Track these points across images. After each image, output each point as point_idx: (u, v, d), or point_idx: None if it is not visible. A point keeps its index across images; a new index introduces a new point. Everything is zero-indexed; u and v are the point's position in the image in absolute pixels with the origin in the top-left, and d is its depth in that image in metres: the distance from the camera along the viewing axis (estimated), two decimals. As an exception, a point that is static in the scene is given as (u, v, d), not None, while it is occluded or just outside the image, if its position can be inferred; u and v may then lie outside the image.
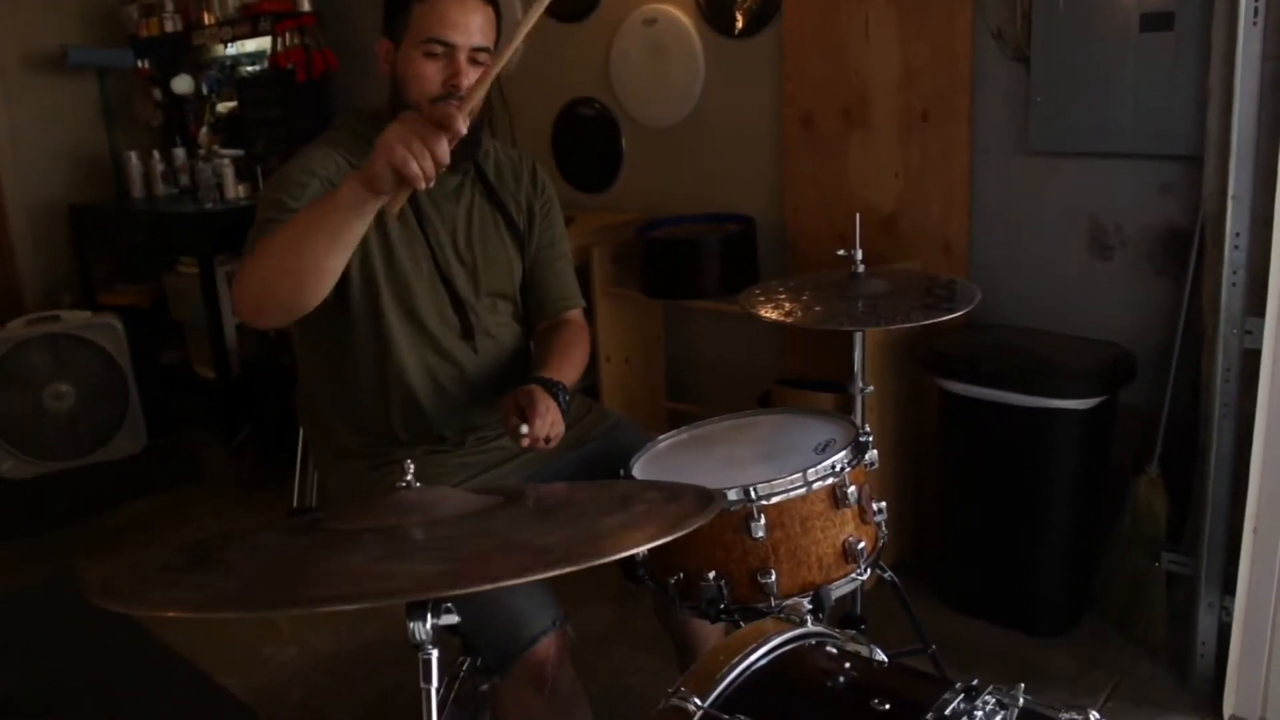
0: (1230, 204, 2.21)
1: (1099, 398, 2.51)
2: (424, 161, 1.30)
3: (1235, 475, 2.29)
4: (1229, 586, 2.31)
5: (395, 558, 1.03)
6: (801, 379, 3.01)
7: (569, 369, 1.90)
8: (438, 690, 1.07)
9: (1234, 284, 2.23)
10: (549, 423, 1.70)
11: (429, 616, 1.06)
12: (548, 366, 1.87)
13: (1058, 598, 2.68)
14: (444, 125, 1.30)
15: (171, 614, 0.93)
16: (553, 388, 1.78)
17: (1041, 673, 2.53)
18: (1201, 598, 2.38)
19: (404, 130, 1.31)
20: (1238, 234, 2.21)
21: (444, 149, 1.30)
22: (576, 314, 2.07)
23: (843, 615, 2.22)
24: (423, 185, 1.31)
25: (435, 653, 1.08)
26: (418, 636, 1.06)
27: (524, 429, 1.67)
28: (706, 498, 1.17)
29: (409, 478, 1.16)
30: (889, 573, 2.05)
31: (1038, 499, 2.60)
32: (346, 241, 1.46)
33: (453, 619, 1.09)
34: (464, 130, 1.31)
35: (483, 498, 1.17)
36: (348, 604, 0.90)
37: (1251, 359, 2.20)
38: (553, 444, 1.72)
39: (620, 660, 2.65)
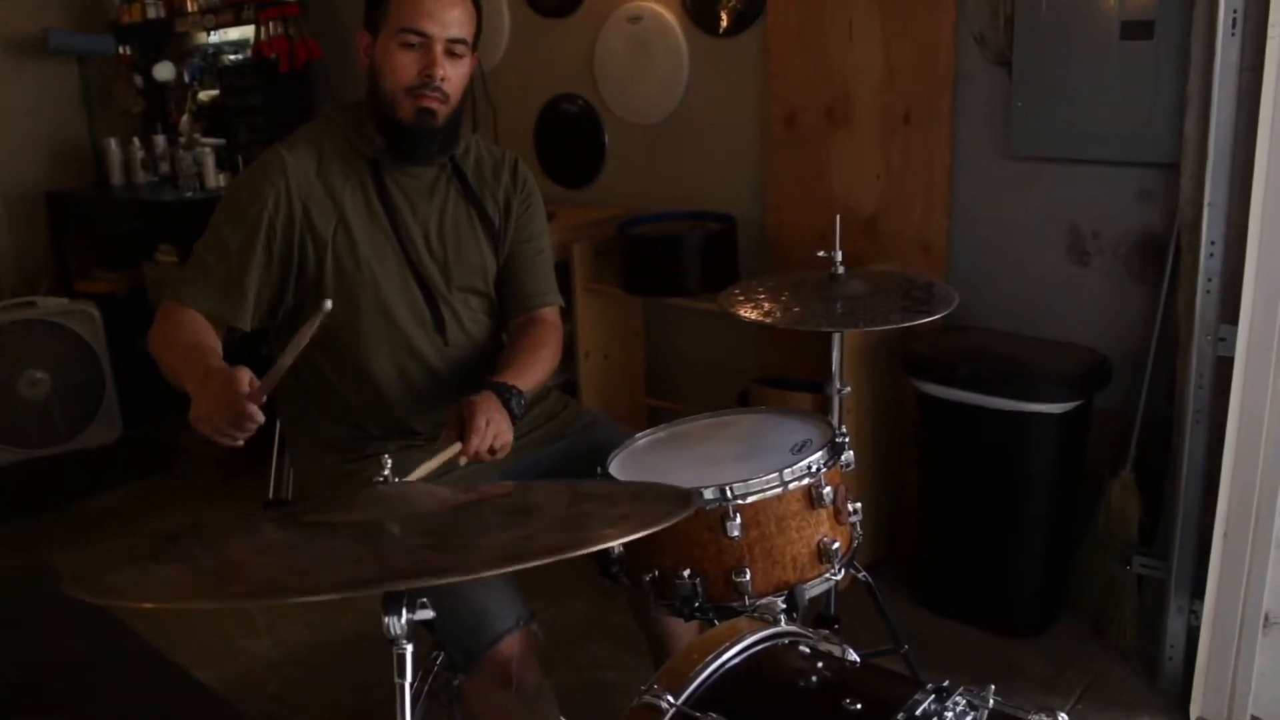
0: (1206, 211, 2.23)
1: (1074, 402, 2.53)
2: (228, 442, 1.48)
3: (1206, 480, 2.32)
4: (1198, 590, 2.34)
5: (368, 551, 1.03)
6: (780, 378, 3.02)
7: (531, 371, 1.85)
8: (412, 685, 1.07)
9: (1208, 291, 2.25)
10: (488, 436, 1.65)
11: (404, 611, 1.06)
12: (509, 369, 1.82)
13: (1032, 599, 2.71)
14: (238, 424, 1.44)
15: (147, 605, 0.93)
16: (505, 393, 1.74)
17: (1014, 674, 2.55)
18: (1171, 601, 2.41)
19: (209, 415, 1.47)
20: (1213, 242, 2.24)
21: (247, 429, 1.45)
22: (551, 312, 2.03)
23: (816, 615, 2.23)
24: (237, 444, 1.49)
25: (410, 647, 1.08)
26: (392, 631, 1.07)
27: (457, 446, 1.64)
28: (684, 499, 1.17)
29: (386, 473, 1.16)
30: (863, 573, 2.07)
31: (1013, 501, 2.62)
32: None
33: (428, 614, 1.09)
34: (255, 426, 1.45)
35: (457, 494, 1.17)
36: (315, 595, 0.90)
37: (1224, 366, 2.22)
38: (499, 455, 1.68)
39: (595, 655, 2.66)
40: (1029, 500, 2.61)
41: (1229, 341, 2.20)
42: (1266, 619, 2.24)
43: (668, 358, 3.70)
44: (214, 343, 1.73)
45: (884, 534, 3.02)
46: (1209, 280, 2.25)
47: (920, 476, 2.82)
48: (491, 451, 1.66)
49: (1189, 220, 2.33)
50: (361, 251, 1.83)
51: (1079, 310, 2.78)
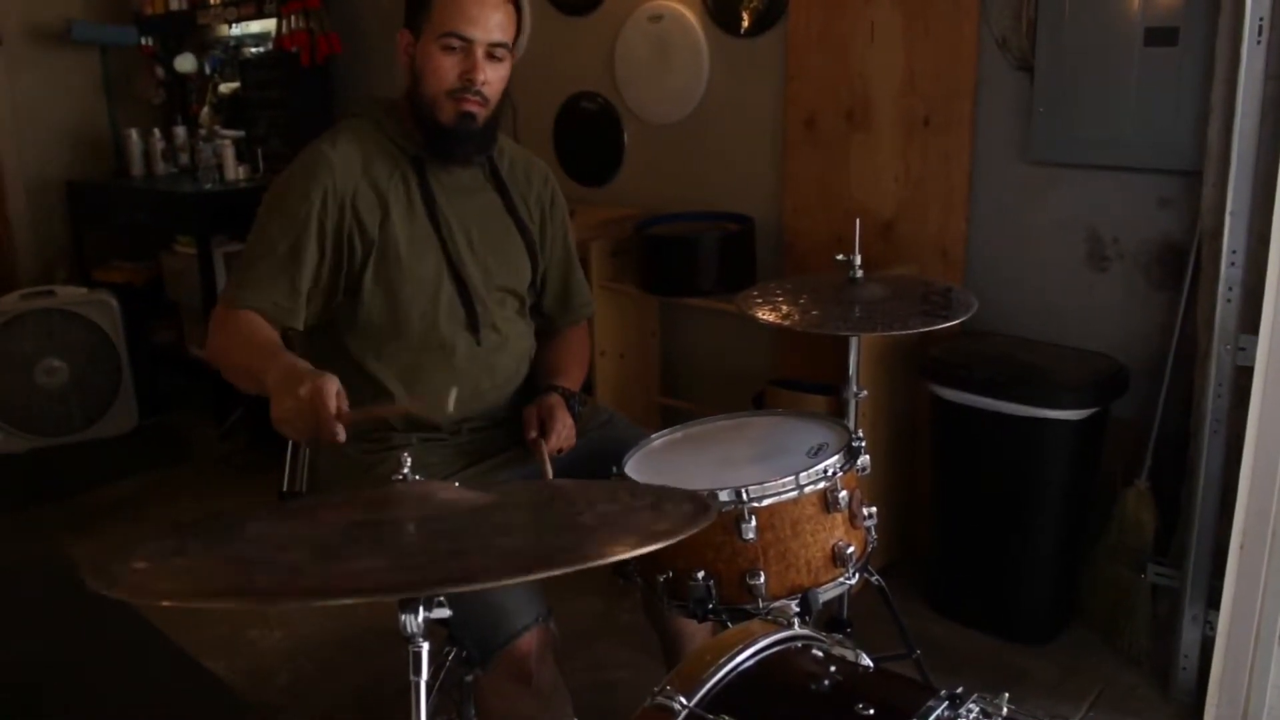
0: (1228, 220, 2.22)
1: (1090, 409, 2.52)
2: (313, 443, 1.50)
3: (1223, 491, 2.30)
4: (1213, 600, 2.32)
5: (386, 551, 1.03)
6: (795, 380, 3.01)
7: (579, 374, 2.03)
8: (427, 683, 1.07)
9: (1229, 300, 2.24)
10: (564, 436, 1.84)
11: (420, 609, 1.06)
12: (564, 374, 1.99)
13: (1044, 606, 2.70)
14: (318, 436, 1.45)
15: (165, 603, 0.93)
16: (570, 398, 1.91)
17: (1026, 680, 2.54)
18: (1186, 610, 2.40)
19: (293, 420, 1.47)
20: (1234, 251, 2.22)
21: (325, 440, 1.44)
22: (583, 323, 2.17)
23: (828, 618, 2.23)
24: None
25: (426, 645, 1.08)
26: (409, 629, 1.07)
27: (542, 442, 1.81)
28: (703, 506, 1.17)
29: (405, 471, 1.16)
30: (876, 577, 2.06)
31: (1027, 507, 2.61)
32: None
33: (445, 612, 1.09)
34: (342, 439, 1.45)
35: (475, 494, 1.17)
36: (336, 599, 0.90)
37: (1244, 376, 2.21)
38: (563, 453, 1.85)
39: (606, 654, 2.66)
40: (1043, 507, 2.60)
41: (1249, 351, 2.19)
42: (1282, 631, 2.23)
43: (683, 358, 3.70)
44: (279, 341, 1.74)
45: (898, 537, 3.02)
46: (1230, 289, 2.24)
47: (934, 480, 2.82)
48: (559, 451, 1.83)
49: (1210, 228, 2.32)
50: (404, 248, 1.84)
51: (1097, 317, 2.77)
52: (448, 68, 1.79)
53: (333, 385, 1.46)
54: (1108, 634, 2.65)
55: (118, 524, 3.59)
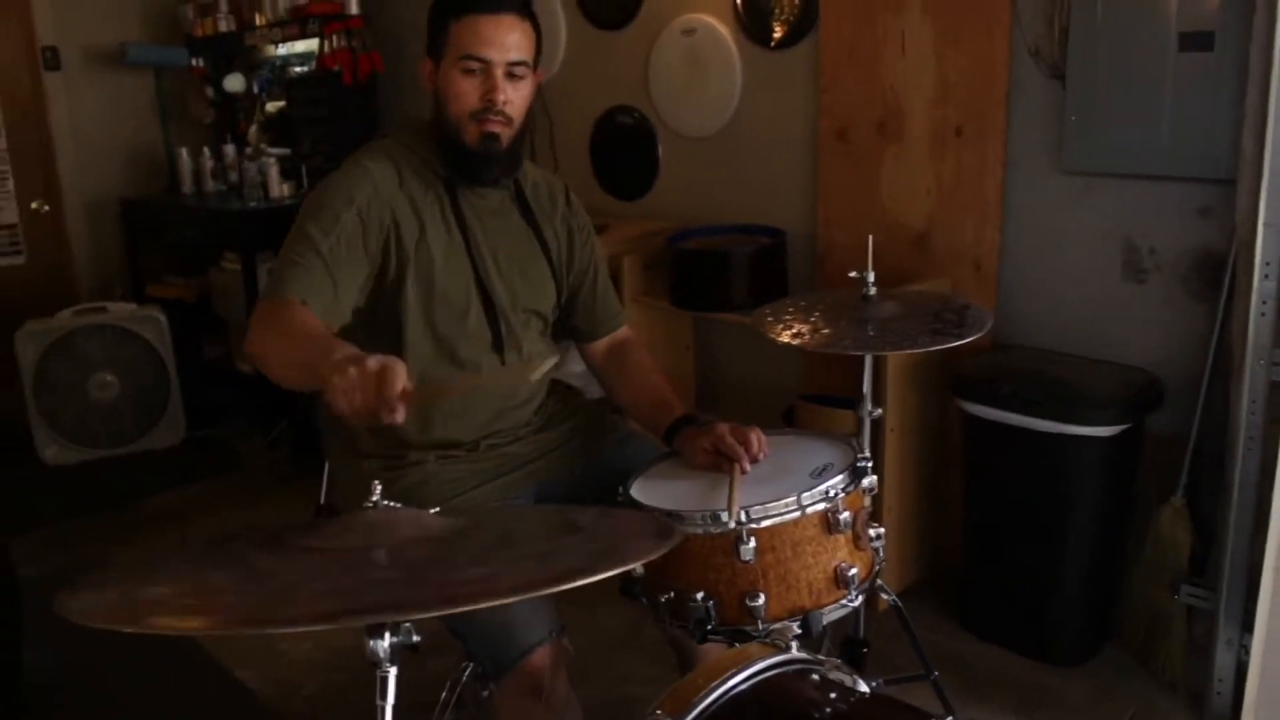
0: (1261, 231, 2.15)
1: (1123, 425, 2.46)
2: (362, 419, 1.35)
3: (1258, 510, 2.23)
4: (1249, 624, 2.25)
5: (352, 578, 1.03)
6: (825, 395, 2.99)
7: (676, 397, 1.97)
8: (393, 707, 1.07)
9: (1263, 314, 2.18)
10: (760, 442, 1.74)
11: (388, 634, 1.07)
12: (674, 404, 1.93)
13: (1077, 626, 2.63)
14: (385, 403, 1.32)
15: (128, 629, 0.94)
16: (697, 420, 1.85)
17: (1056, 702, 2.48)
18: (1220, 634, 2.33)
19: (354, 385, 1.34)
20: (1268, 263, 2.16)
21: (381, 419, 1.33)
22: (628, 331, 2.13)
23: (844, 638, 2.20)
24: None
25: (394, 670, 1.09)
26: (377, 655, 1.07)
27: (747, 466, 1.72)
28: (667, 531, 1.16)
29: (375, 497, 1.17)
30: (892, 596, 2.03)
31: (1059, 525, 2.56)
32: None
33: (414, 638, 1.10)
34: (400, 420, 1.34)
35: (444, 521, 1.17)
36: (294, 628, 0.90)
37: (1278, 391, 2.14)
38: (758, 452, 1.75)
39: (627, 668, 2.66)
40: (1075, 524, 2.54)
41: (1283, 366, 2.12)
42: (1321, 655, 2.15)
43: (718, 371, 3.68)
44: (325, 330, 1.66)
45: (928, 554, 2.97)
46: (1264, 303, 2.17)
47: (966, 497, 2.77)
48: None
49: (1245, 239, 2.25)
50: (439, 267, 1.85)
51: (1134, 329, 2.70)
52: (469, 90, 1.80)
53: (401, 364, 1.36)
54: (1143, 656, 2.58)
55: (165, 533, 3.66)
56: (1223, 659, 2.32)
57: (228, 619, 0.94)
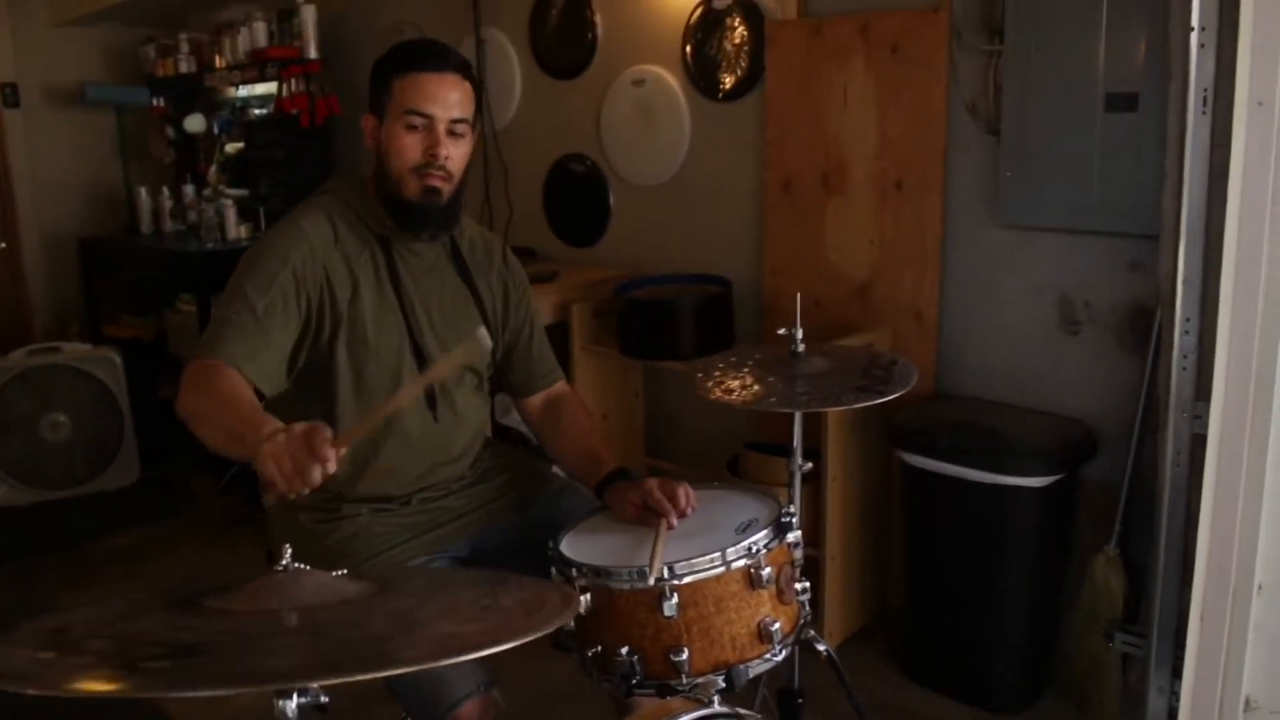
0: (1180, 288, 2.21)
1: (1056, 476, 2.51)
2: (294, 483, 1.40)
3: (1184, 559, 2.28)
4: (1178, 670, 2.29)
5: (263, 643, 1.05)
6: (770, 444, 3.02)
7: (606, 449, 2.00)
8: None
9: (1184, 368, 2.23)
10: (688, 498, 1.77)
11: (295, 696, 1.09)
12: (604, 459, 1.95)
13: (1015, 674, 2.67)
14: (316, 456, 1.37)
15: (31, 691, 0.96)
16: (628, 474, 1.89)
17: (993, 749, 2.52)
18: (1151, 681, 2.36)
19: (282, 450, 1.40)
20: (1188, 319, 2.22)
21: (314, 476, 1.38)
22: (564, 385, 2.17)
23: (779, 688, 2.22)
24: (290, 495, 1.42)
25: (302, 732, 1.10)
26: (285, 716, 1.09)
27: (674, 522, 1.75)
28: (567, 600, 1.19)
29: (285, 560, 1.19)
30: (825, 647, 2.06)
31: (997, 574, 2.60)
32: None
33: (322, 699, 1.12)
34: (333, 469, 1.39)
35: (356, 584, 1.20)
36: (195, 692, 0.92)
37: (1200, 444, 2.19)
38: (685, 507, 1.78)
39: (567, 718, 2.66)
40: (1012, 573, 2.58)
41: (1204, 419, 2.17)
42: (1247, 704, 2.19)
43: (667, 418, 3.71)
44: (256, 400, 1.69)
45: (871, 602, 3.00)
46: (1184, 357, 2.23)
47: (906, 546, 2.80)
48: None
49: (1167, 296, 2.32)
50: (371, 325, 1.87)
51: (1069, 380, 2.76)
52: (411, 145, 1.84)
53: (327, 427, 1.42)
54: (1080, 703, 2.62)
55: (115, 576, 3.64)
56: (1155, 705, 2.36)
57: (139, 684, 0.96)
